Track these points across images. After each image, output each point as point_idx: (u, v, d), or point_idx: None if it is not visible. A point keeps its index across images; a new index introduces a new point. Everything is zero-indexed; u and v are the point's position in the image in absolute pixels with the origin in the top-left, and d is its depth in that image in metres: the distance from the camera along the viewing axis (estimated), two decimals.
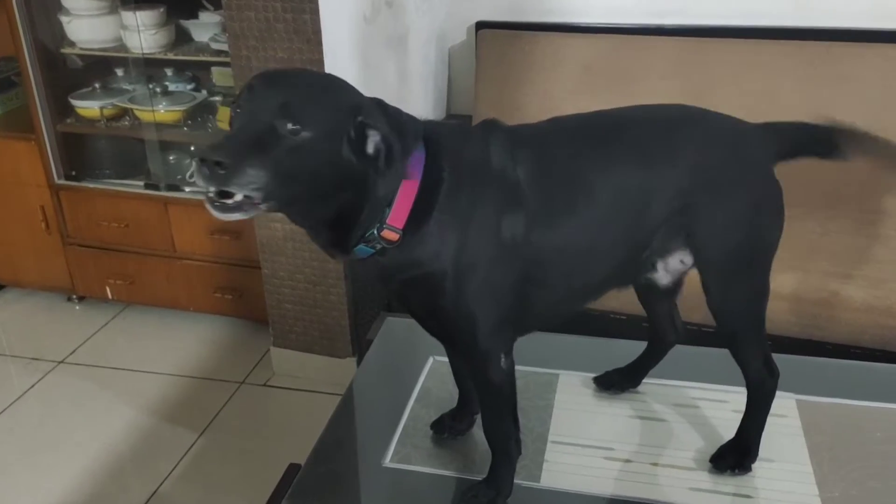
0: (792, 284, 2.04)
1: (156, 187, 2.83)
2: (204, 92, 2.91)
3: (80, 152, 2.96)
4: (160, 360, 2.74)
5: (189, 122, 2.81)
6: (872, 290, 2.01)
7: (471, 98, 2.94)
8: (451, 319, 1.13)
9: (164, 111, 2.78)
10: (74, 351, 2.84)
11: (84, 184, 2.90)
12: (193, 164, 0.97)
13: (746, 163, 1.20)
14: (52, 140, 2.87)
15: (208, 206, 0.95)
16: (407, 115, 1.09)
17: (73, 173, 2.91)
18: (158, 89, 2.82)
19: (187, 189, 2.80)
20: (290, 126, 0.95)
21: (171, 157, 2.92)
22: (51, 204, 2.94)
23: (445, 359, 1.74)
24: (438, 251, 1.08)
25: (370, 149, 1.01)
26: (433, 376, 1.67)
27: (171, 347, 2.79)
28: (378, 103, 1.06)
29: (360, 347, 2.53)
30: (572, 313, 1.25)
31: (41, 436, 2.43)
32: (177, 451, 2.33)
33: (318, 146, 0.97)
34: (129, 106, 2.82)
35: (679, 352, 1.50)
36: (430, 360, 1.73)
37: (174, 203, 2.79)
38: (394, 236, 1.06)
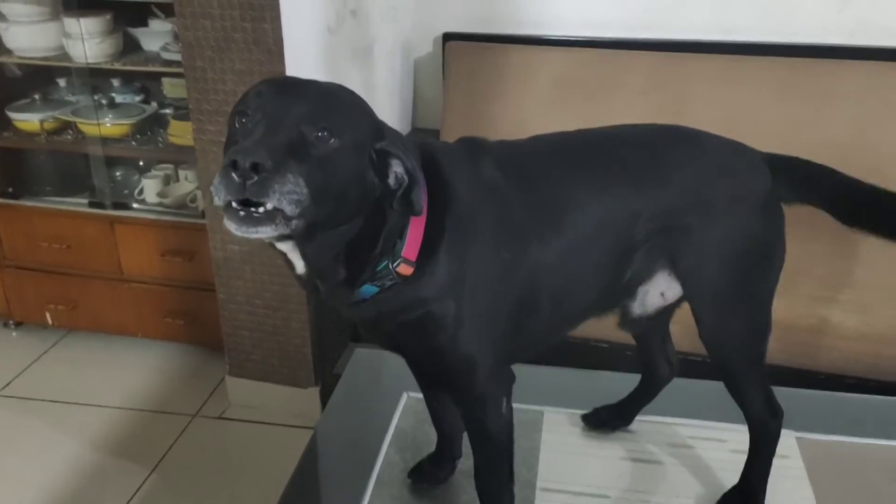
0: (778, 310, 1.99)
1: (101, 205, 2.68)
2: (154, 104, 2.78)
3: (17, 168, 2.80)
4: (105, 392, 2.59)
5: (137, 136, 2.67)
6: (863, 315, 1.98)
7: (437, 111, 2.88)
8: (449, 361, 1.05)
9: (110, 124, 2.64)
10: (10, 382, 2.67)
11: (22, 202, 2.74)
12: (219, 173, 0.82)
13: (743, 186, 1.13)
14: None
15: (230, 219, 0.83)
16: (405, 136, 1.02)
17: (11, 190, 2.75)
18: (104, 101, 2.68)
19: (135, 206, 2.66)
20: (319, 133, 0.86)
21: (117, 174, 2.78)
22: None
23: (421, 395, 1.67)
24: (445, 285, 1.00)
25: (390, 179, 0.93)
26: (408, 415, 1.57)
27: (117, 377, 2.63)
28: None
29: (324, 377, 2.41)
30: (553, 343, 1.18)
31: None
32: (124, 491, 2.19)
33: (348, 157, 0.88)
34: (71, 119, 2.68)
35: (673, 384, 1.43)
36: (405, 396, 1.64)
37: (121, 222, 2.65)
38: (408, 270, 0.98)
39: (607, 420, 1.45)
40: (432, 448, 1.36)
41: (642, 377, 1.42)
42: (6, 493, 2.19)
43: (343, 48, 2.32)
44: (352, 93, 0.96)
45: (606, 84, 2.52)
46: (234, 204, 0.82)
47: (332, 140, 0.86)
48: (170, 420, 2.48)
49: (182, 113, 2.63)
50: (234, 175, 0.79)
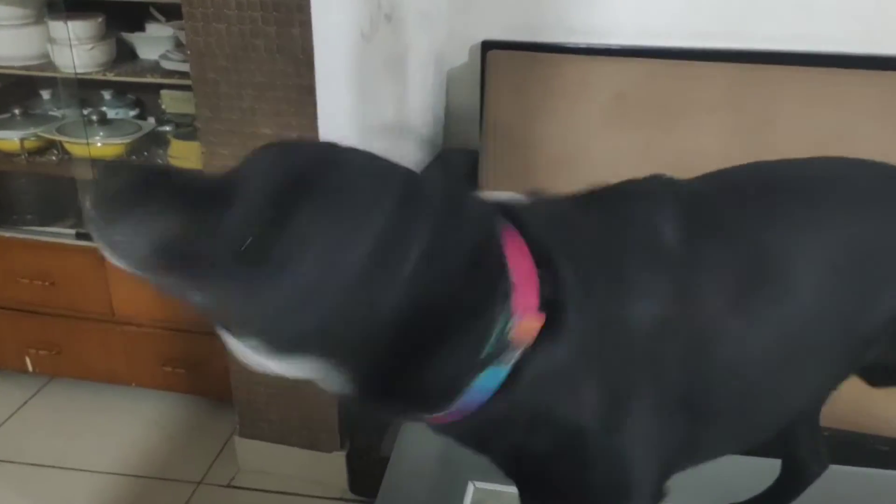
0: None
1: (89, 236, 2.35)
2: (151, 120, 2.48)
3: None
4: (94, 453, 2.26)
5: (133, 157, 2.36)
6: None
7: (472, 129, 2.59)
8: (589, 491, 0.75)
9: (101, 144, 2.33)
10: None
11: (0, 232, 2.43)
12: None
13: None
14: None
15: None
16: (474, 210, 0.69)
17: None
18: (95, 117, 2.37)
19: None
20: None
21: None
22: None
23: (490, 485, 1.39)
24: (578, 388, 0.70)
25: None
26: None
27: (107, 434, 2.31)
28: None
29: (351, 440, 2.11)
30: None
31: None
32: None
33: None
34: (56, 137, 2.37)
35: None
36: (471, 487, 1.36)
37: None
38: (536, 325, 0.66)
39: None
40: None
41: (782, 471, 1.14)
42: None
43: (376, 57, 2.03)
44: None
45: (673, 100, 2.24)
46: None
47: None
48: (170, 489, 2.16)
49: (186, 131, 2.33)
50: None
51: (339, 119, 1.84)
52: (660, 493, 0.81)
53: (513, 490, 1.39)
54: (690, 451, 0.82)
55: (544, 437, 0.73)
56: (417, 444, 1.42)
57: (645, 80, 2.27)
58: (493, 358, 0.65)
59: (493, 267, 0.66)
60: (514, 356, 0.66)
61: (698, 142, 2.20)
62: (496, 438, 0.75)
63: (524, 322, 0.65)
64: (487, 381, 0.66)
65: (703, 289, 0.75)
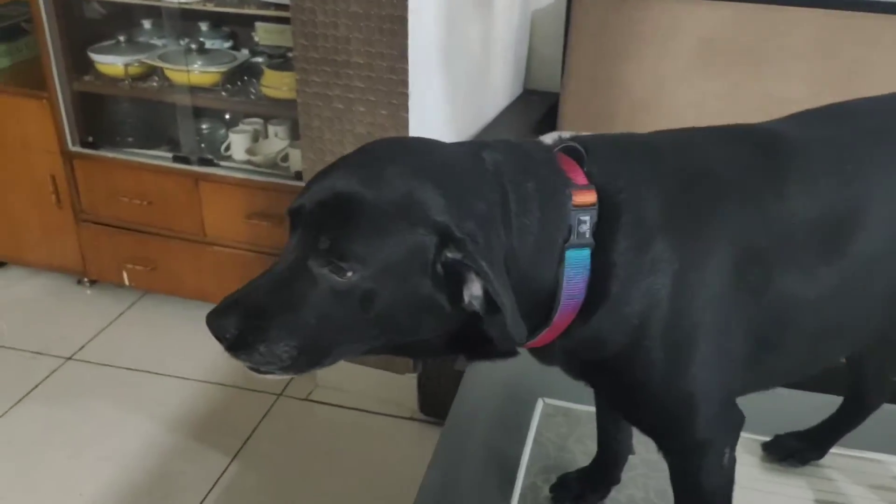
0: None
1: (186, 160, 2.53)
2: (245, 51, 2.61)
3: (98, 115, 2.66)
4: (184, 362, 2.46)
5: (228, 85, 2.51)
6: None
7: (553, 71, 2.65)
8: (659, 402, 0.83)
9: (199, 72, 2.48)
10: (84, 346, 2.57)
11: (102, 152, 2.61)
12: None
13: None
14: (67, 100, 2.57)
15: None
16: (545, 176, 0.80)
17: (90, 139, 2.62)
18: (194, 45, 2.51)
19: (223, 164, 2.51)
20: (326, 269, 0.72)
21: (204, 127, 2.63)
22: (63, 174, 2.65)
23: (557, 402, 1.48)
24: (642, 310, 0.79)
25: (466, 300, 0.74)
26: (547, 426, 1.38)
27: (196, 346, 2.50)
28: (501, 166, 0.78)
29: (424, 364, 2.24)
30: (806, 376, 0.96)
31: (42, 452, 2.15)
32: (204, 479, 2.05)
33: (377, 291, 0.73)
34: (158, 64, 2.52)
35: (882, 411, 1.21)
36: (540, 403, 1.45)
37: (206, 180, 2.50)
38: (592, 197, 0.79)
39: (796, 450, 1.24)
40: (574, 465, 1.19)
41: (845, 399, 1.20)
42: (79, 468, 2.08)
43: None
44: (408, 173, 0.74)
45: (762, 47, 2.25)
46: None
47: (348, 274, 0.71)
48: (253, 399, 2.34)
49: (278, 62, 2.46)
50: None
51: (428, 51, 1.92)
52: (734, 417, 0.89)
53: (580, 406, 1.49)
54: (757, 375, 0.89)
55: (611, 354, 0.82)
56: (487, 366, 1.54)
57: (733, 24, 2.28)
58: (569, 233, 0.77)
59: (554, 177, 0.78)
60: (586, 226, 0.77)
61: (785, 89, 2.21)
62: (572, 355, 0.84)
63: (580, 194, 0.77)
64: (576, 261, 0.77)
65: (784, 224, 0.82)
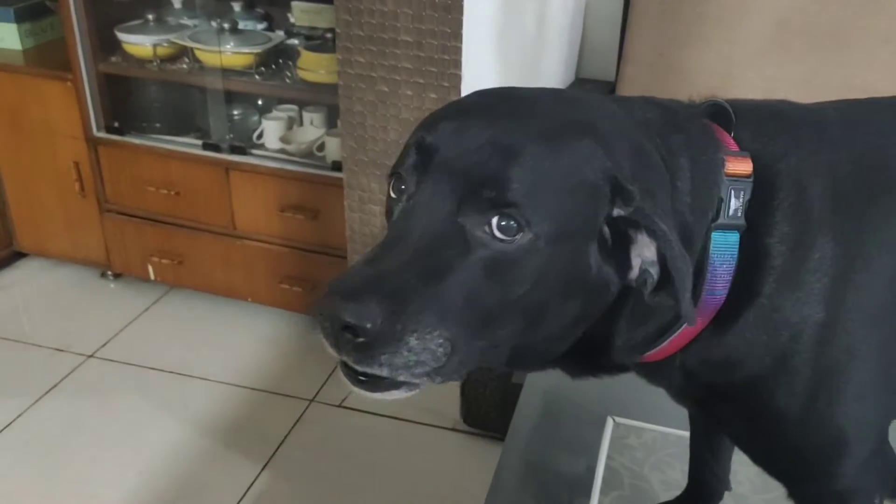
0: None
1: (216, 148, 2.41)
2: (280, 32, 2.48)
3: (125, 99, 2.55)
4: (211, 363, 2.34)
5: (262, 68, 2.38)
6: None
7: (608, 59, 2.49)
8: (801, 439, 0.69)
9: (231, 53, 2.36)
10: (107, 343, 2.46)
11: (128, 138, 2.50)
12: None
13: None
14: (93, 82, 2.46)
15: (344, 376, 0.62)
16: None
17: (116, 125, 2.51)
18: (226, 25, 2.39)
19: (255, 153, 2.38)
20: (491, 228, 0.56)
21: (236, 113, 2.51)
22: (87, 160, 2.55)
23: (629, 421, 1.35)
24: (797, 319, 0.65)
25: (633, 272, 0.60)
26: (619, 450, 1.25)
27: (224, 346, 2.38)
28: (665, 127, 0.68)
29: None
30: None
31: (61, 456, 2.04)
32: (234, 487, 1.93)
33: (547, 259, 0.57)
34: (189, 44, 2.40)
35: None
36: (610, 422, 1.32)
37: (238, 169, 2.38)
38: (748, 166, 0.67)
39: None
40: (653, 497, 1.05)
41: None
42: (100, 473, 1.97)
43: None
44: (583, 107, 0.62)
45: (841, 30, 2.08)
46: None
47: (519, 235, 0.55)
48: (283, 404, 2.21)
49: (315, 44, 2.32)
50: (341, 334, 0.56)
51: (481, 29, 1.78)
52: (889, 455, 0.75)
53: (654, 427, 1.35)
54: None
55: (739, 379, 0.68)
56: (546, 377, 1.40)
57: (811, 5, 2.11)
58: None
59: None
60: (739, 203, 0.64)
61: (868, 77, 2.04)
62: (690, 380, 0.71)
63: (735, 161, 0.66)
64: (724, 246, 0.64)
65: None
